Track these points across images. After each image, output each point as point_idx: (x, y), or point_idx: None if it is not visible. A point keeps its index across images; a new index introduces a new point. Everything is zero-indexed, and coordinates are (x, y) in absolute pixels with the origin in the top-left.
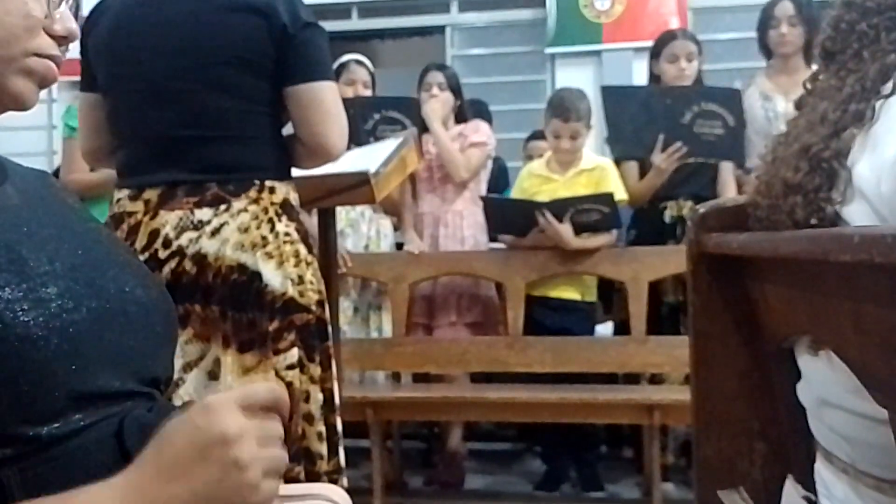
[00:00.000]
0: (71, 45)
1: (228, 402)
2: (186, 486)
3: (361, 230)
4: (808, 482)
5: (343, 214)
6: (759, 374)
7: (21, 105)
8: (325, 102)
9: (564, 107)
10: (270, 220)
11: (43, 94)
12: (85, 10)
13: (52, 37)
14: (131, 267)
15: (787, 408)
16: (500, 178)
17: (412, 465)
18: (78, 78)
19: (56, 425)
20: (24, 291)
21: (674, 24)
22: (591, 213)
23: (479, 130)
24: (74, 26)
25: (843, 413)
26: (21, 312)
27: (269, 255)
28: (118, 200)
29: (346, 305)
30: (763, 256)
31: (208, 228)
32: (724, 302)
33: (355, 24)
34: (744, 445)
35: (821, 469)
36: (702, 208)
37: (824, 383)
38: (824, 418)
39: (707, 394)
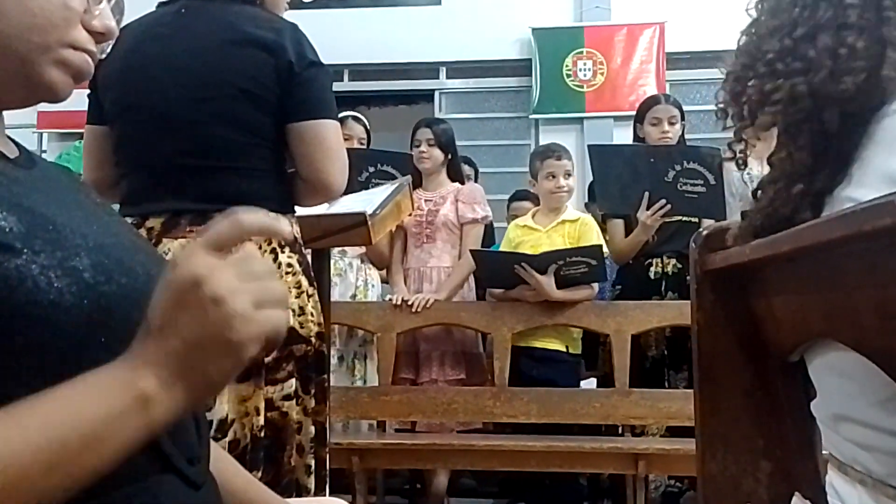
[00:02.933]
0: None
1: (192, 248)
2: (177, 338)
3: (349, 279)
4: (815, 498)
5: (332, 263)
6: (764, 392)
7: (54, 96)
8: (327, 140)
9: (553, 148)
10: (274, 251)
11: (34, 145)
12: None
13: (90, 32)
14: (155, 256)
15: (794, 424)
16: (486, 236)
17: None
18: (67, 130)
19: None
20: (59, 259)
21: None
22: (578, 265)
23: (476, 201)
24: (113, 24)
25: (861, 427)
26: (55, 279)
27: None
28: None
29: (331, 354)
30: (776, 259)
31: None
32: (728, 320)
33: (346, 86)
34: (749, 464)
35: (834, 481)
36: (705, 230)
37: (843, 398)
38: (842, 432)
39: (711, 412)
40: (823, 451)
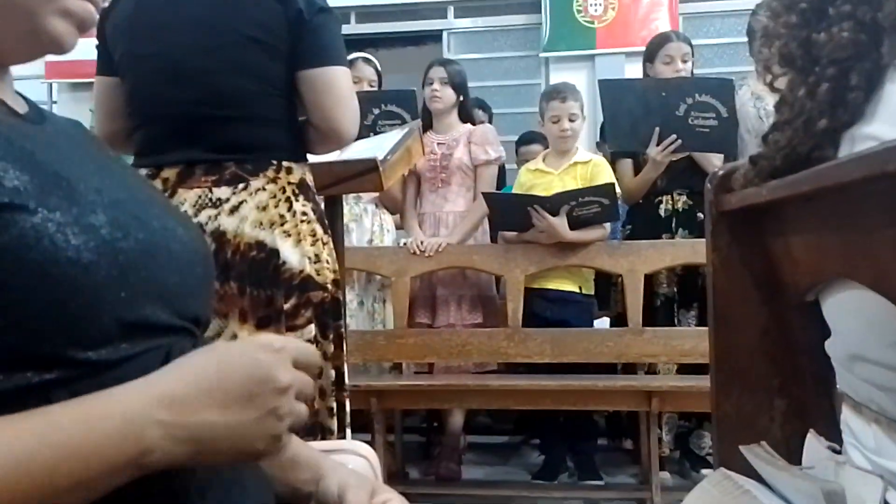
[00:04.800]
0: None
1: (289, 352)
2: (222, 417)
3: (365, 225)
4: (830, 435)
5: (347, 209)
6: (779, 331)
7: (59, 48)
8: (337, 87)
9: (559, 90)
10: (288, 200)
11: (44, 96)
12: None
13: None
14: (170, 208)
15: (809, 363)
16: (498, 177)
17: (412, 458)
18: (78, 80)
19: (104, 351)
20: (75, 216)
21: (665, 29)
22: (591, 206)
23: (489, 142)
24: None
25: (877, 367)
26: (72, 236)
27: (287, 234)
28: None
29: (350, 298)
30: (795, 199)
31: (227, 206)
32: (744, 260)
33: (354, 28)
34: (764, 402)
35: (849, 419)
36: (720, 170)
37: (858, 338)
38: (856, 372)
39: (726, 351)
40: (837, 390)
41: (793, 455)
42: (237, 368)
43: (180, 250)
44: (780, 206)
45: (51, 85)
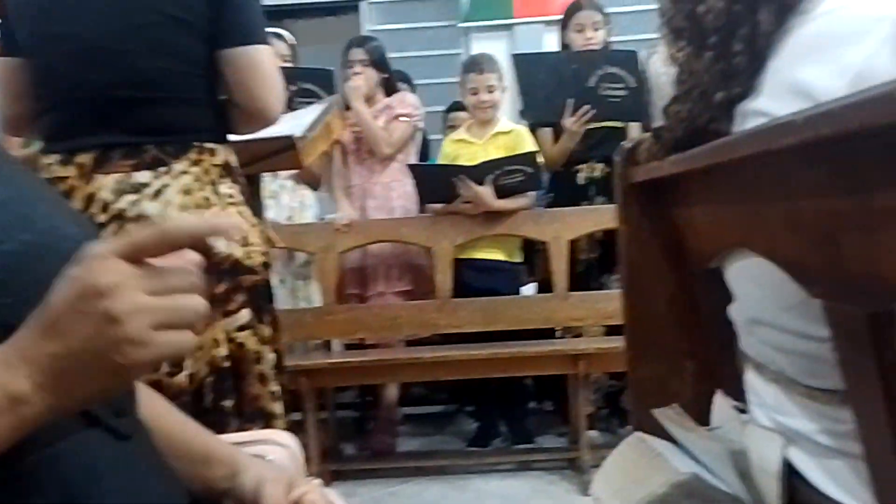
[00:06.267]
0: None
1: (106, 251)
2: (62, 343)
3: (283, 201)
4: (736, 395)
5: (264, 186)
6: (687, 297)
7: None
8: (262, 66)
9: (476, 62)
10: (212, 182)
11: None
12: None
13: None
14: (61, 206)
15: (715, 327)
16: (423, 150)
17: (346, 434)
18: None
19: None
20: None
21: None
22: (515, 175)
23: (404, 102)
24: None
25: (774, 330)
26: None
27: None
28: (48, 166)
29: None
30: (695, 173)
31: (149, 191)
32: (652, 231)
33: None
34: (675, 365)
35: (751, 380)
36: (627, 144)
37: (757, 303)
38: (756, 335)
39: (638, 319)
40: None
41: (704, 415)
42: (55, 295)
43: (71, 250)
44: (681, 179)
45: None
